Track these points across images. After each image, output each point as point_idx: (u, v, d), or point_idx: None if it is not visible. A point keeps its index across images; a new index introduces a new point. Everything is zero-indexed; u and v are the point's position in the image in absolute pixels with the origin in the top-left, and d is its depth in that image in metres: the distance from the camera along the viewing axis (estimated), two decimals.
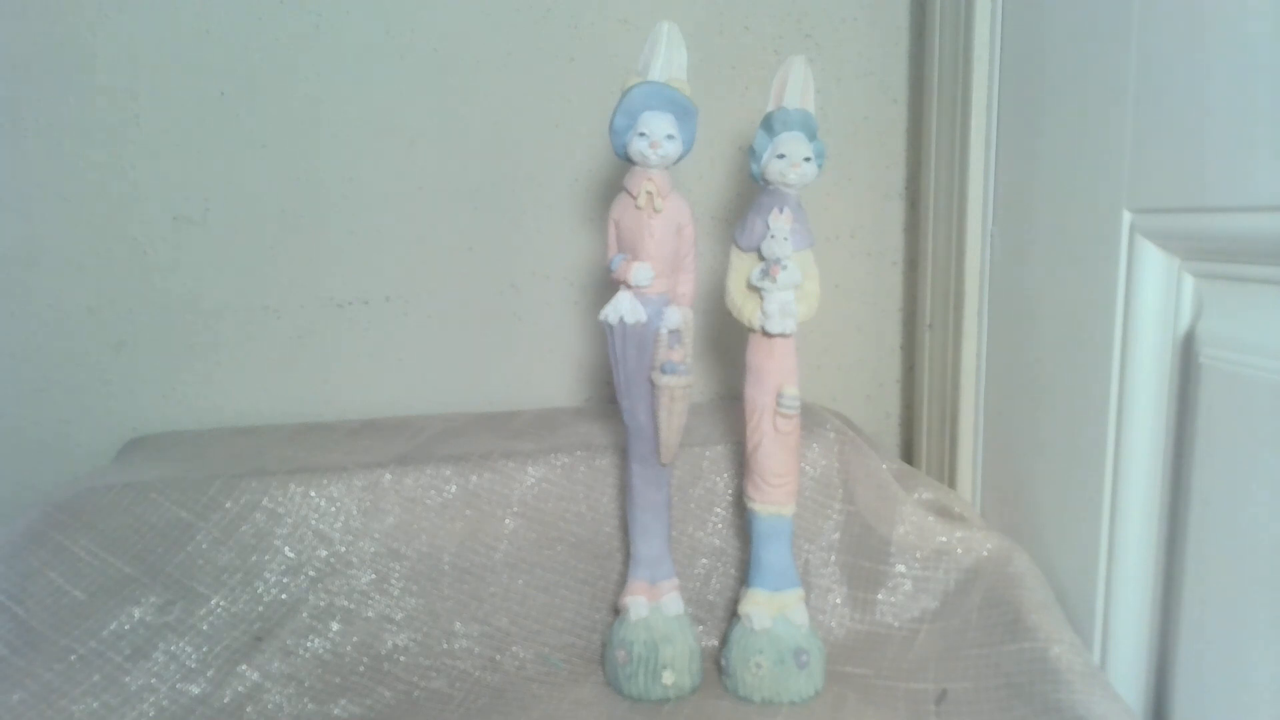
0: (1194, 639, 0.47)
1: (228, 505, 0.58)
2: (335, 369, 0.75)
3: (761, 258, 0.54)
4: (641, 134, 0.51)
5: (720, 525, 0.63)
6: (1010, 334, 0.63)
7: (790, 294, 0.53)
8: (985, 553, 0.59)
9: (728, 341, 0.79)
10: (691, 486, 0.63)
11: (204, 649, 0.54)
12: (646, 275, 0.52)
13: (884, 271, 0.81)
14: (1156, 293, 0.48)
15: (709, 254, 0.77)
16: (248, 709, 0.53)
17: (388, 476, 0.60)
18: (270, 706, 0.54)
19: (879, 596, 0.61)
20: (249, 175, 0.71)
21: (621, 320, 0.53)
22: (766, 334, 0.54)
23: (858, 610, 0.61)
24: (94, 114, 0.69)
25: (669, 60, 0.52)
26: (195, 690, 0.53)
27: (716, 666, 0.58)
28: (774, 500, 0.56)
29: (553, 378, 0.79)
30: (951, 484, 0.71)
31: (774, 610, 0.56)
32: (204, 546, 0.57)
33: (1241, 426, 0.43)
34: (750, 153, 0.54)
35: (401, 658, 0.57)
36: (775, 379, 0.54)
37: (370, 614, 0.58)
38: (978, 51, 0.64)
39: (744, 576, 0.60)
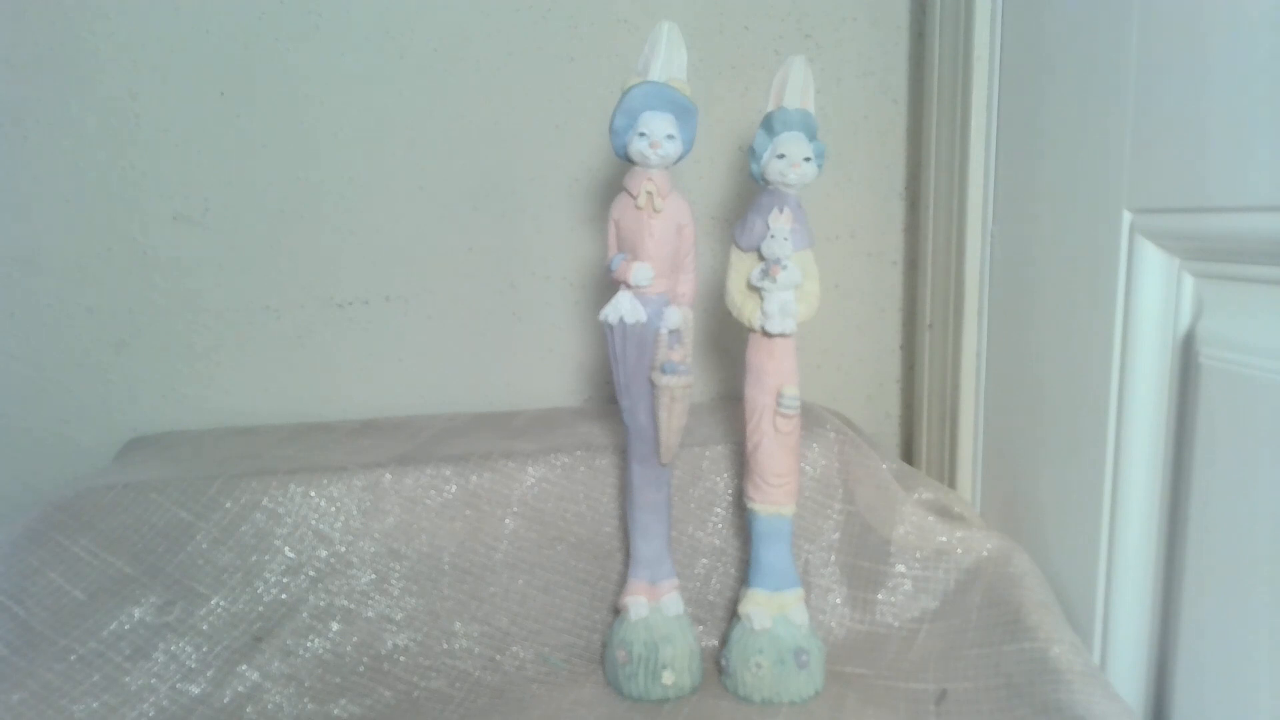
0: (1194, 639, 0.47)
1: (228, 505, 0.58)
2: (335, 369, 0.75)
3: (761, 258, 0.54)
4: (641, 134, 0.51)
5: (720, 525, 0.63)
6: (1010, 334, 0.63)
7: (790, 294, 0.53)
8: (985, 553, 0.59)
9: (728, 341, 0.79)
10: (691, 486, 0.63)
11: (204, 649, 0.54)
12: (646, 275, 0.52)
13: (884, 271, 0.82)
14: (1156, 293, 0.48)
15: (709, 254, 0.77)
16: (248, 709, 0.53)
17: (388, 476, 0.60)
18: (270, 706, 0.54)
19: (879, 596, 0.61)
20: (249, 175, 0.71)
21: (621, 320, 0.53)
22: (766, 334, 0.54)
23: (858, 610, 0.61)
24: (94, 114, 0.69)
25: (669, 60, 0.52)
26: (195, 690, 0.53)
27: (716, 666, 0.58)
28: (774, 500, 0.56)
29: (553, 378, 0.79)
30: (951, 484, 0.71)
31: (774, 610, 0.56)
32: (204, 546, 0.57)
33: (1241, 426, 0.43)
34: (750, 153, 0.54)
35: (401, 658, 0.57)
36: (775, 379, 0.54)
37: (370, 614, 0.58)
38: (978, 51, 0.64)
39: (744, 576, 0.60)
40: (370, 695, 0.55)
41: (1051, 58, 0.56)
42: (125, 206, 0.70)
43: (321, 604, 0.57)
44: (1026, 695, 0.49)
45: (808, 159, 0.53)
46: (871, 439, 0.71)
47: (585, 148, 0.75)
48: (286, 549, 0.58)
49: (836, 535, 0.63)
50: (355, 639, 0.57)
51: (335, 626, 0.57)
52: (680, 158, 0.53)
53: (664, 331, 0.54)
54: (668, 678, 0.55)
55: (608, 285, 0.55)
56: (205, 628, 0.55)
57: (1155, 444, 0.49)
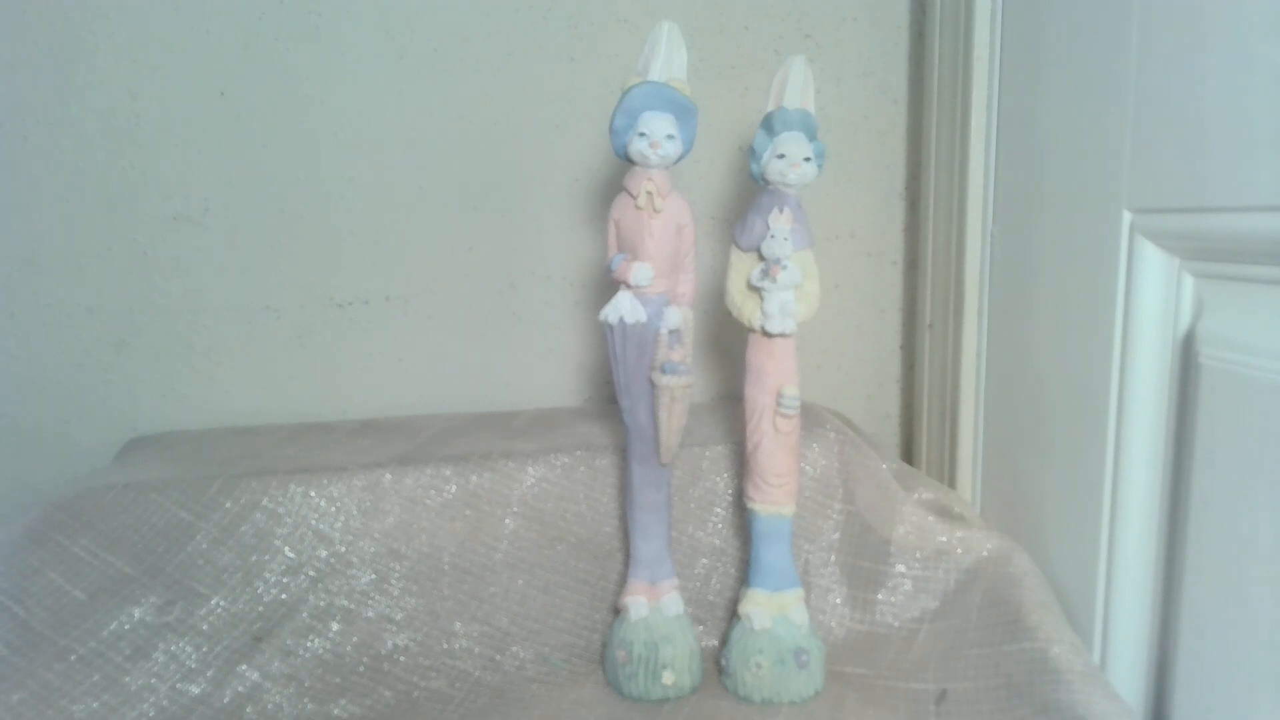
0: (1194, 639, 0.47)
1: (228, 505, 0.58)
2: (335, 369, 0.75)
3: (761, 258, 0.54)
4: (641, 134, 0.51)
5: (720, 525, 0.63)
6: (1010, 334, 0.63)
7: (790, 294, 0.53)
8: (985, 553, 0.59)
9: (728, 341, 0.79)
10: (691, 486, 0.63)
11: (204, 649, 0.54)
12: (646, 275, 0.52)
13: (884, 271, 0.82)
14: (1156, 293, 0.48)
15: (709, 254, 0.77)
16: (248, 709, 0.53)
17: (388, 476, 0.60)
18: (270, 706, 0.54)
19: (879, 596, 0.61)
20: (249, 175, 0.71)
21: (621, 320, 0.53)
22: (766, 334, 0.54)
23: (858, 610, 0.61)
24: (94, 114, 0.69)
25: (669, 60, 0.52)
26: (195, 690, 0.53)
27: (716, 666, 0.58)
28: (774, 500, 0.56)
29: (553, 378, 0.79)
30: (951, 484, 0.71)
31: (774, 610, 0.56)
32: (204, 546, 0.57)
33: (1241, 426, 0.43)
34: (750, 153, 0.54)
35: (401, 658, 0.57)
36: (775, 379, 0.54)
37: (370, 614, 0.58)
38: (978, 51, 0.64)
39: (744, 576, 0.60)
40: (370, 695, 0.55)
41: (1051, 58, 0.56)
42: (125, 206, 0.70)
43: (321, 604, 0.57)
44: (1026, 695, 0.49)
45: (808, 159, 0.53)
46: (871, 439, 0.71)
47: (585, 148, 0.75)
48: (286, 549, 0.58)
49: (836, 535, 0.63)
50: (355, 639, 0.57)
51: (335, 626, 0.57)
52: (680, 158, 0.53)
53: (664, 331, 0.54)
54: (668, 678, 0.55)
55: (608, 285, 0.55)
56: (205, 628, 0.55)
57: (1155, 444, 0.49)
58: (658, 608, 0.57)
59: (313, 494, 0.59)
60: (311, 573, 0.58)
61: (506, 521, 0.61)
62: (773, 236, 0.53)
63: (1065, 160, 0.55)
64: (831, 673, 0.57)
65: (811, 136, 0.53)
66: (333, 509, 0.59)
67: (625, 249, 0.54)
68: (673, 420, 0.55)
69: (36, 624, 0.52)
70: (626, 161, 0.53)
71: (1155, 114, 0.47)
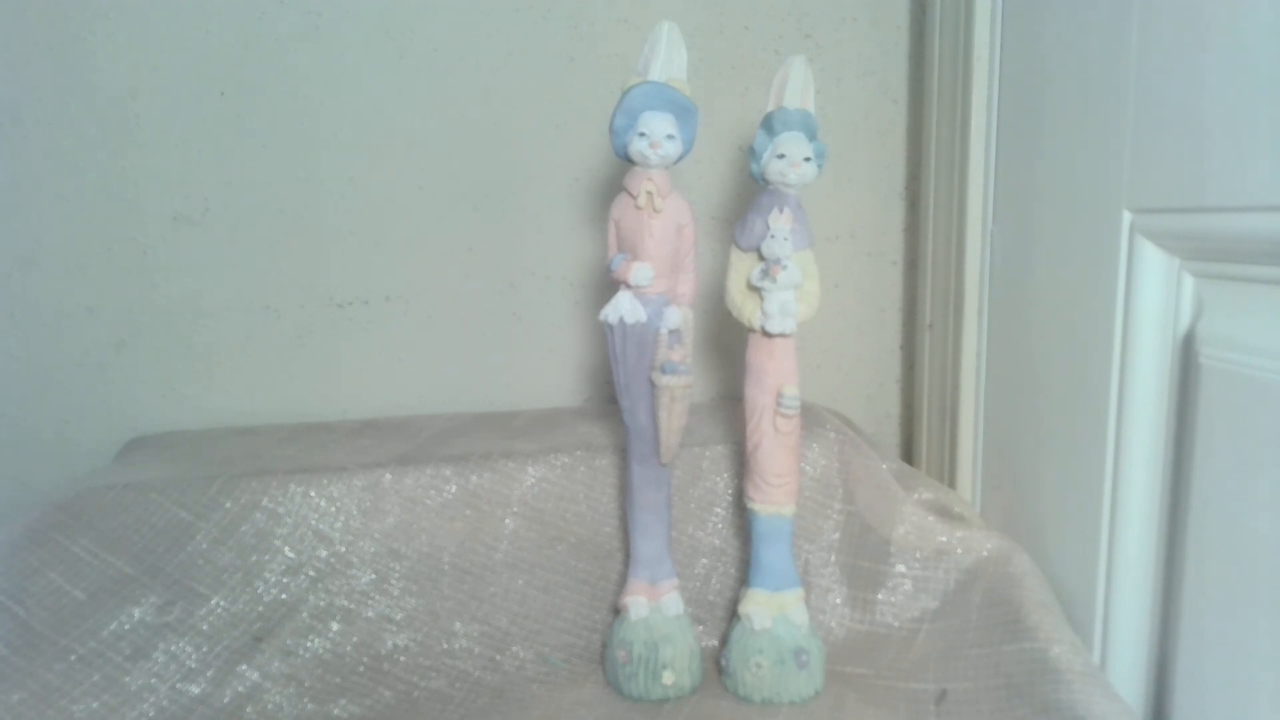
0: (1194, 639, 0.47)
1: (228, 505, 0.58)
2: (335, 369, 0.75)
3: (761, 258, 0.54)
4: (641, 134, 0.51)
5: (720, 525, 0.63)
6: (1010, 334, 0.63)
7: (790, 294, 0.53)
8: (985, 553, 0.59)
9: (728, 341, 0.79)
10: (691, 486, 0.63)
11: (204, 649, 0.54)
12: (646, 275, 0.52)
13: (884, 271, 0.82)
14: (1156, 293, 0.48)
15: (709, 254, 0.77)
16: (248, 709, 0.53)
17: (388, 476, 0.60)
18: (270, 706, 0.54)
19: (879, 596, 0.61)
20: (249, 175, 0.71)
21: (621, 320, 0.53)
22: (766, 334, 0.54)
23: (858, 610, 0.61)
24: (94, 114, 0.69)
25: (669, 60, 0.52)
26: (195, 690, 0.53)
27: (716, 666, 0.58)
28: (774, 500, 0.56)
29: (553, 378, 0.79)
30: (951, 484, 0.71)
31: (774, 610, 0.56)
32: (204, 546, 0.57)
33: (1241, 426, 0.43)
34: (750, 153, 0.54)
35: (401, 658, 0.57)
36: (775, 379, 0.54)
37: (370, 614, 0.58)
38: (978, 51, 0.64)
39: (744, 576, 0.60)
40: (370, 695, 0.55)
41: (1051, 58, 0.56)
42: (125, 206, 0.70)
43: (321, 604, 0.57)
44: (1026, 695, 0.49)
45: (808, 159, 0.53)
46: (871, 439, 0.71)
47: (585, 148, 0.75)
48: (286, 549, 0.58)
49: (836, 535, 0.63)
50: (355, 639, 0.57)
51: (335, 626, 0.57)
52: (680, 158, 0.53)
53: (664, 331, 0.54)
54: (668, 678, 0.55)
55: (608, 285, 0.55)
56: (205, 628, 0.55)
57: (1155, 444, 0.49)
58: (658, 608, 0.57)
59: (313, 494, 0.59)
60: (311, 573, 0.58)
61: (506, 521, 0.61)
62: (773, 236, 0.53)
63: (1065, 160, 0.55)
64: (831, 673, 0.57)
65: (811, 136, 0.53)
66: (333, 509, 0.59)
67: (625, 249, 0.54)
68: (673, 420, 0.55)
69: (36, 624, 0.52)
70: (626, 161, 0.53)
71: (1155, 114, 0.47)
